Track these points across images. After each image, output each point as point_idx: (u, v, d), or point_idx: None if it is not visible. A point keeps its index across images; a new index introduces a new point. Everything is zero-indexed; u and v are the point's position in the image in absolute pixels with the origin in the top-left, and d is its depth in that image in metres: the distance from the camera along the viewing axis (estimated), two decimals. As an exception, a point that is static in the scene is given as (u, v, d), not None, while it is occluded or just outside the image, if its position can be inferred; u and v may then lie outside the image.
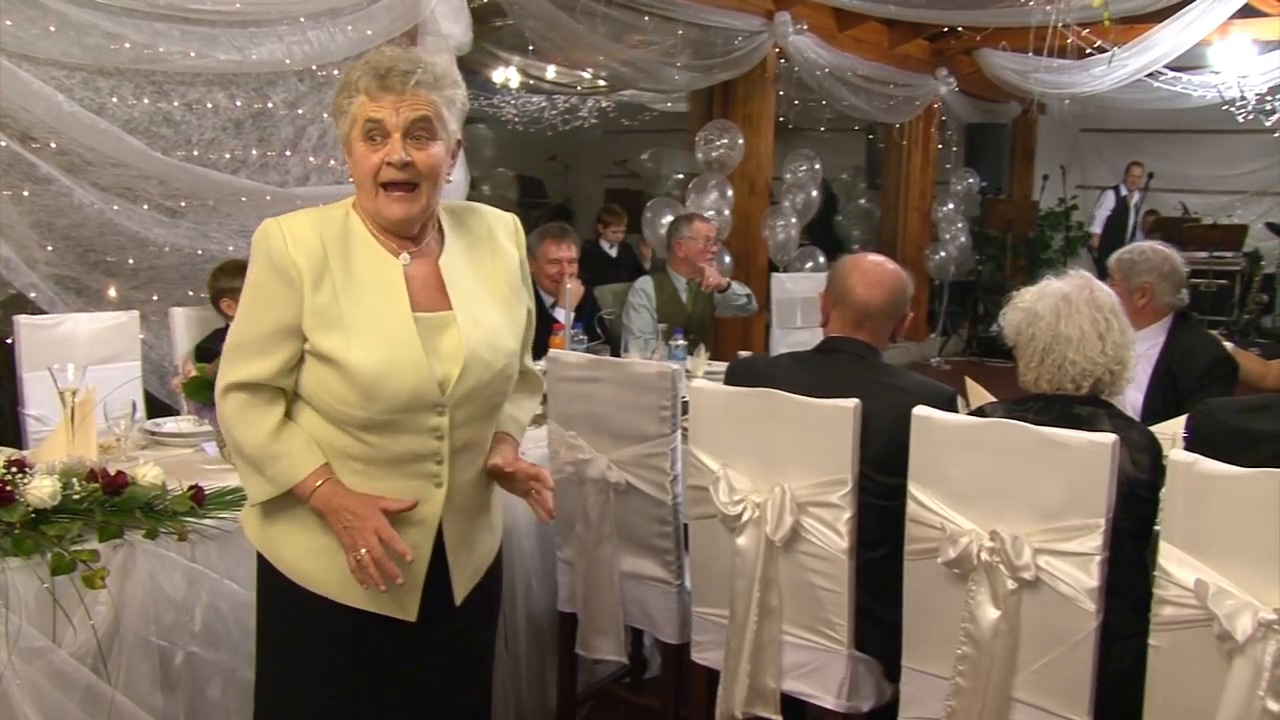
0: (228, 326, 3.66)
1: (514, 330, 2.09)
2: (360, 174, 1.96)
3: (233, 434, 1.99)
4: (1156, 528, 2.21)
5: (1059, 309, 2.42)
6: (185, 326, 4.09)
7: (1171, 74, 8.09)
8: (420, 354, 1.93)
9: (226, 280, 3.86)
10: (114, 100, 3.99)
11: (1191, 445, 2.19)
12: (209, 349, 3.54)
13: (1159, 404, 3.41)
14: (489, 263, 2.09)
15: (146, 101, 4.09)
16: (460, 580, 2.08)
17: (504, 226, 2.14)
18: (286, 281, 1.91)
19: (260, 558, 2.06)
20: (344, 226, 1.99)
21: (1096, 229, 10.99)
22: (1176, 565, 2.02)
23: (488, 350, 2.00)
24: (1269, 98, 7.65)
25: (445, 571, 2.05)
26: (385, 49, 2.01)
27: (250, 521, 2.08)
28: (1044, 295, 2.48)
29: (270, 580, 2.04)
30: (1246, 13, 7.47)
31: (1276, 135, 6.91)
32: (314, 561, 2.00)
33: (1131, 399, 3.55)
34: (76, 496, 2.32)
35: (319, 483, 1.94)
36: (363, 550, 1.89)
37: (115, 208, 4.03)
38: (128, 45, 3.91)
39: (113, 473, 2.38)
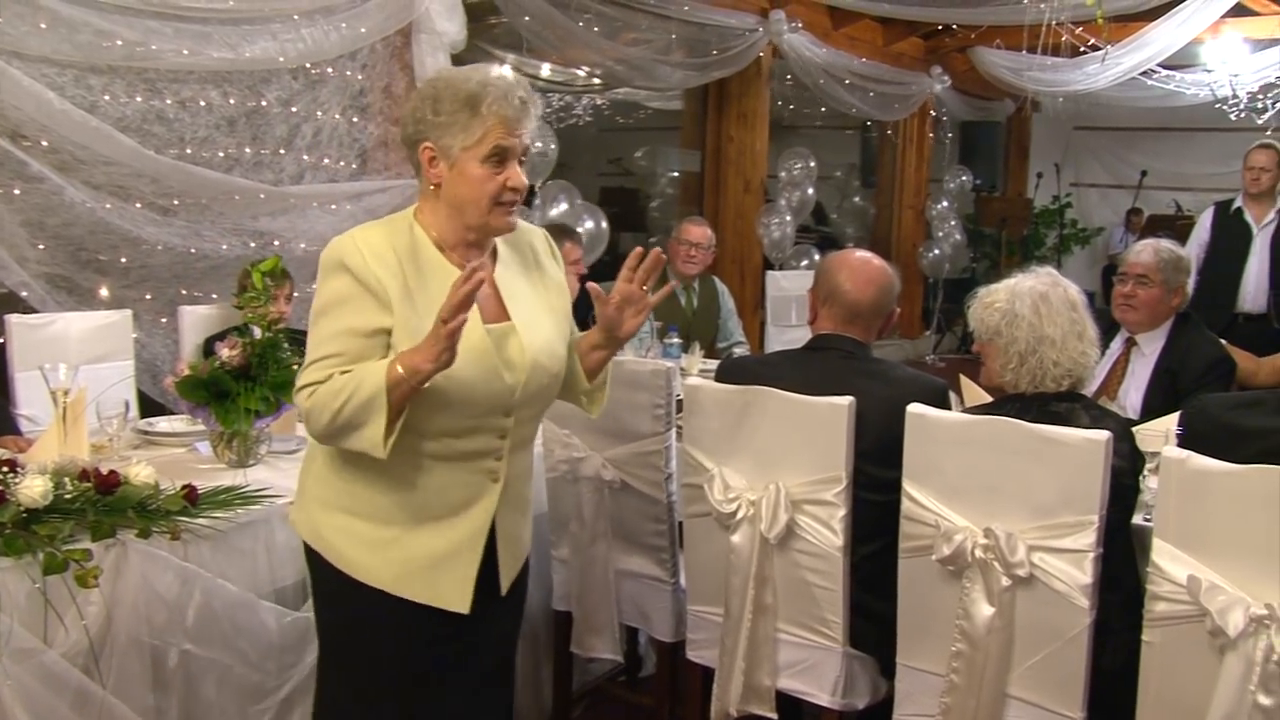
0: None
1: (564, 338, 2.20)
2: (476, 193, 2.02)
3: (323, 413, 1.94)
4: (1148, 521, 2.22)
5: (1039, 309, 2.42)
6: (194, 325, 4.06)
7: (1165, 72, 8.09)
8: (496, 365, 2.02)
9: None
10: (106, 98, 3.98)
11: (1184, 441, 2.19)
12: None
13: (1159, 403, 3.41)
14: (536, 274, 2.20)
15: (139, 99, 4.08)
16: (506, 572, 2.17)
17: (540, 240, 2.26)
18: (373, 295, 1.96)
19: (316, 559, 2.10)
20: (411, 240, 2.04)
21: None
22: (1170, 561, 2.02)
23: (547, 357, 2.11)
24: (1260, 96, 7.65)
25: (495, 564, 2.14)
26: (497, 72, 2.06)
27: (305, 521, 2.13)
28: (1018, 295, 2.46)
29: (327, 578, 2.09)
30: (1238, 11, 7.48)
31: (1269, 133, 6.90)
32: (370, 554, 2.05)
33: (1132, 399, 3.56)
34: (68, 496, 2.31)
35: (397, 368, 1.90)
36: (446, 329, 1.85)
37: (107, 206, 4.01)
38: (120, 43, 3.90)
39: (105, 472, 2.37)
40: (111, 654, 2.24)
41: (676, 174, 10.12)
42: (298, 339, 3.15)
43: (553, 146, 6.92)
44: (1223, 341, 3.68)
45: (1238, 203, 6.06)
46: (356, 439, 1.94)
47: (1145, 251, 3.58)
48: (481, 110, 1.99)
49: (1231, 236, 6.02)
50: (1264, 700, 1.90)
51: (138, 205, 4.14)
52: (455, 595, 2.08)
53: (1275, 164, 5.89)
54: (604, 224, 7.08)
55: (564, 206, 7.05)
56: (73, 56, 3.84)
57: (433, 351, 1.87)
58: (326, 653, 2.18)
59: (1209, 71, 8.01)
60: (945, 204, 10.61)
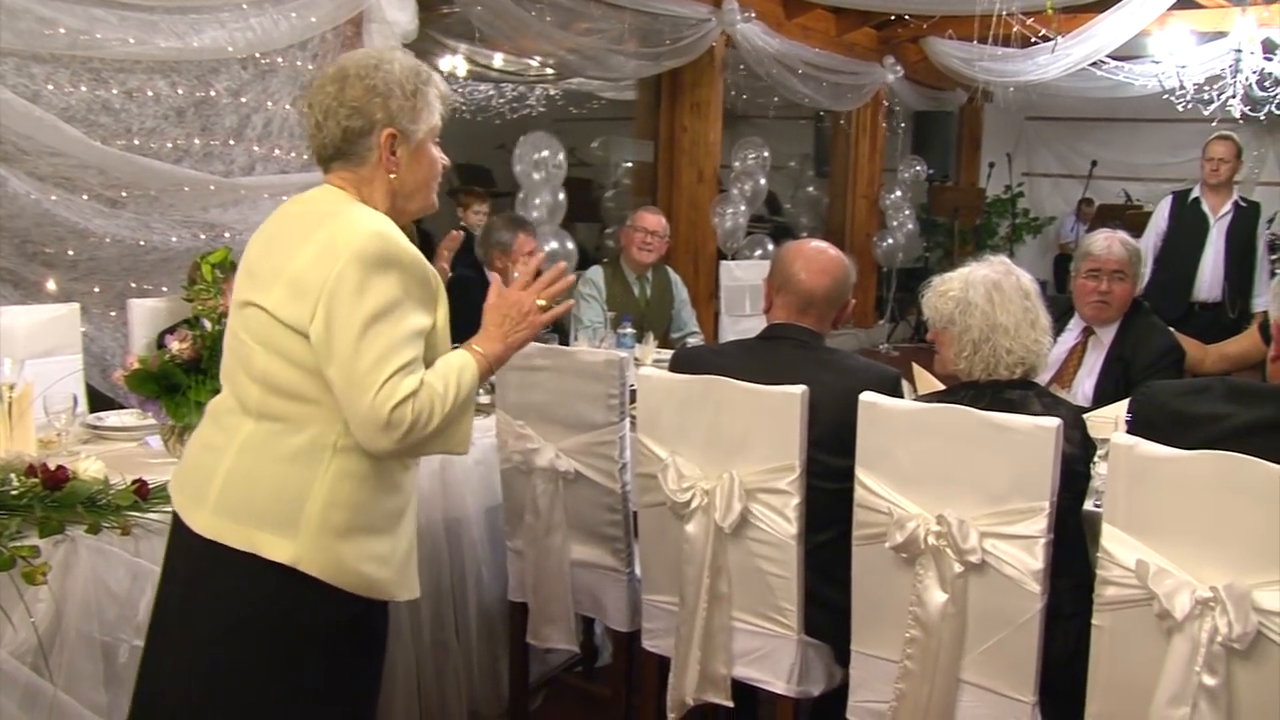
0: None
1: None
2: (432, 175, 2.03)
3: (430, 421, 1.82)
4: (1098, 507, 2.25)
5: (992, 298, 2.44)
6: (143, 319, 3.99)
7: (1114, 63, 8.20)
8: None
9: None
10: (49, 87, 3.90)
11: (1133, 428, 2.22)
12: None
13: (1111, 391, 3.44)
14: None
15: (84, 89, 4.01)
16: None
17: None
18: (425, 290, 1.90)
19: (311, 590, 1.87)
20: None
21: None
22: (1119, 546, 2.05)
23: None
24: (1206, 88, 7.77)
25: None
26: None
27: (315, 555, 1.87)
28: (971, 283, 2.49)
29: (297, 599, 1.88)
30: (1184, 4, 7.60)
31: (1215, 124, 7.01)
32: (386, 569, 1.95)
33: (1085, 387, 3.60)
34: (15, 492, 2.28)
35: (482, 358, 1.98)
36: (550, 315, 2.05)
37: (53, 198, 3.94)
38: (62, 31, 3.81)
39: (53, 468, 2.34)
40: (61, 651, 2.22)
41: (630, 164, 10.11)
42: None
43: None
44: (1171, 329, 3.72)
45: (1195, 193, 6.05)
46: (444, 441, 1.89)
47: (1115, 245, 3.54)
48: (438, 90, 2.00)
49: (1189, 226, 6.03)
50: (1209, 680, 1.93)
51: (85, 197, 4.06)
52: (416, 580, 2.06)
53: (1234, 155, 5.88)
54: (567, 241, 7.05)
55: (544, 153, 7.05)
56: (13, 45, 3.75)
57: (522, 336, 2.01)
58: (284, 682, 1.91)
59: (1156, 63, 8.13)
60: (899, 193, 10.68)
